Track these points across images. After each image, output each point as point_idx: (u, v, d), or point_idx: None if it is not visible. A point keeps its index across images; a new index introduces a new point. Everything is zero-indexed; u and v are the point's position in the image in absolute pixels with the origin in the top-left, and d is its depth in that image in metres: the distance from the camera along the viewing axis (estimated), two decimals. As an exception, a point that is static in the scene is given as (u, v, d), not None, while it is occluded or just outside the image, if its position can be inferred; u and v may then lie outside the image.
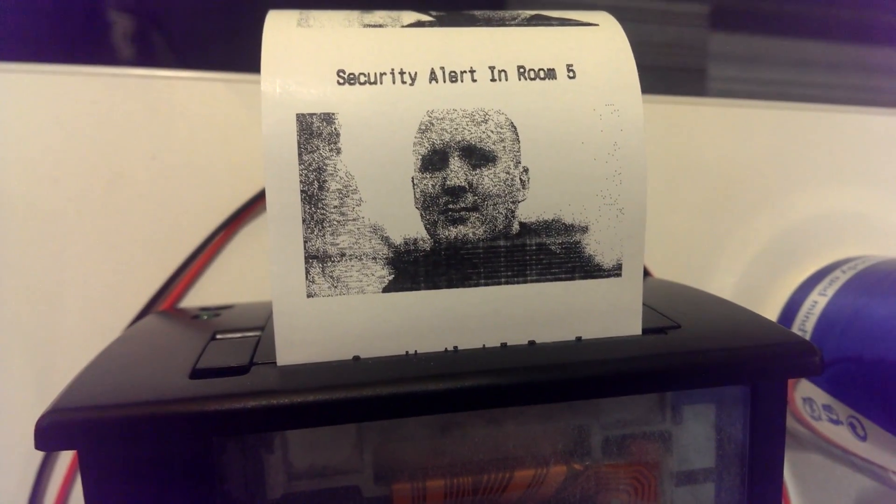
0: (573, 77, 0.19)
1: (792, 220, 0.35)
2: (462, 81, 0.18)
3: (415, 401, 0.17)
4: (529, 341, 0.19)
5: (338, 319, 0.18)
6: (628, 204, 0.19)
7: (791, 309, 0.33)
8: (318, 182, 0.18)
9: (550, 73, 0.19)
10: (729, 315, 0.22)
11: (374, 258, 0.18)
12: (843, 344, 0.28)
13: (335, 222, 0.18)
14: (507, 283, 0.19)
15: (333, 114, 0.18)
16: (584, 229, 0.19)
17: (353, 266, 0.18)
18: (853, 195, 0.36)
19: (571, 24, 0.20)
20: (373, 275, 0.18)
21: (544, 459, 0.19)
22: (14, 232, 0.28)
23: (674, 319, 0.21)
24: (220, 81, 0.30)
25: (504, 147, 0.18)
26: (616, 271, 0.19)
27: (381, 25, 0.19)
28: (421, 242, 0.18)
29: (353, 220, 0.18)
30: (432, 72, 0.18)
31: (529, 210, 0.19)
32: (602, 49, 0.19)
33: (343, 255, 0.18)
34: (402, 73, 0.18)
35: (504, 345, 0.19)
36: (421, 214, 0.18)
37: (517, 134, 0.18)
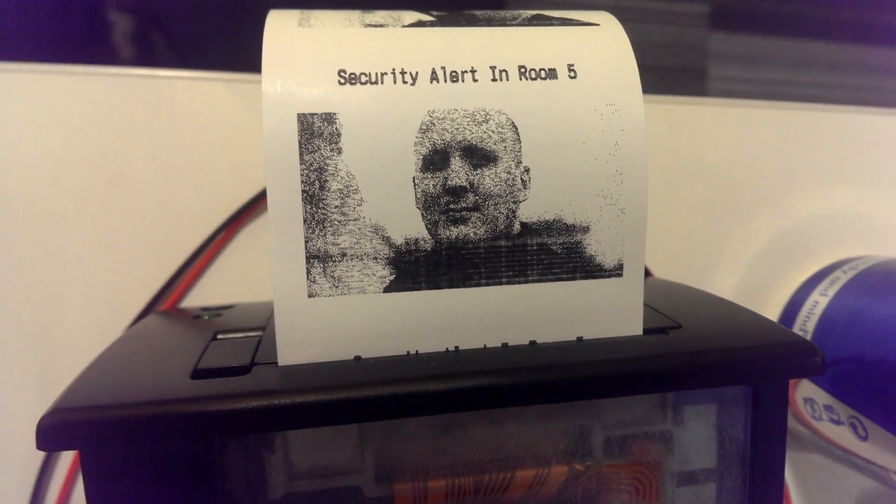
0: (574, 77, 0.19)
1: (793, 220, 0.35)
2: (463, 81, 0.18)
3: (416, 401, 0.17)
4: (530, 341, 0.19)
5: (339, 319, 0.18)
6: (629, 204, 0.19)
7: (792, 309, 0.33)
8: (320, 182, 0.18)
9: (551, 73, 0.19)
10: (730, 315, 0.22)
11: (376, 258, 0.18)
12: (844, 344, 0.28)
13: (336, 222, 0.18)
14: (508, 283, 0.19)
15: (334, 114, 0.18)
16: (586, 229, 0.19)
17: (354, 266, 0.18)
18: (854, 195, 0.36)
19: (572, 23, 0.20)
20: (374, 275, 0.18)
21: (545, 459, 0.19)
22: (15, 232, 0.28)
23: (675, 319, 0.21)
24: (220, 81, 0.30)
25: (505, 147, 0.18)
26: (617, 271, 0.19)
27: (382, 25, 0.19)
28: (422, 242, 0.18)
29: (355, 219, 0.18)
30: (433, 72, 0.18)
31: (530, 210, 0.19)
32: (603, 49, 0.19)
33: (344, 254, 0.18)
34: (403, 72, 0.18)
35: (505, 345, 0.19)
36: (422, 214, 0.18)
37: (518, 134, 0.18)
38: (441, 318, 0.19)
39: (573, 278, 0.19)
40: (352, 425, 0.19)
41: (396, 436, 0.19)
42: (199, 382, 0.17)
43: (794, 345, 0.19)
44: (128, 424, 0.16)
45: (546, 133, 0.18)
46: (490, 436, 0.19)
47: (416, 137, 0.18)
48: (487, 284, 0.19)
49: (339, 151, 0.18)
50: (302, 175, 0.17)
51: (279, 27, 0.18)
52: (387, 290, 0.18)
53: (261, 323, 0.23)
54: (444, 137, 0.18)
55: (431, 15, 0.20)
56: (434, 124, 0.18)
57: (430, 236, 0.18)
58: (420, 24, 0.19)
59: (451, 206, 0.18)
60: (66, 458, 0.28)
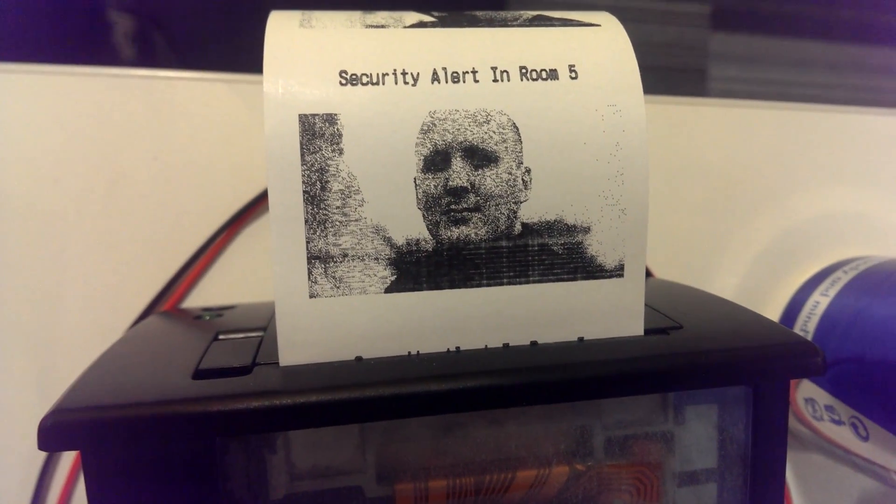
0: (575, 77, 0.19)
1: (793, 221, 0.35)
2: (464, 82, 0.18)
3: (417, 401, 0.17)
4: (532, 342, 0.19)
5: (340, 320, 0.18)
6: (630, 204, 0.19)
7: (793, 309, 0.33)
8: (321, 183, 0.18)
9: (552, 74, 0.19)
10: (731, 315, 0.22)
11: (377, 259, 0.18)
12: (844, 344, 0.28)
13: (337, 223, 0.18)
14: (509, 283, 0.19)
15: (336, 114, 0.18)
16: (587, 230, 0.19)
17: (355, 266, 0.18)
18: (854, 195, 0.36)
19: (573, 24, 0.20)
20: (375, 275, 0.18)
21: (547, 460, 0.19)
22: (15, 232, 0.28)
23: (676, 320, 0.21)
24: (221, 82, 0.30)
25: (506, 147, 0.18)
26: (618, 272, 0.19)
27: (383, 26, 0.19)
28: (423, 243, 0.18)
29: (356, 220, 0.18)
30: (434, 72, 0.18)
31: (531, 210, 0.19)
32: (604, 50, 0.19)
33: (345, 255, 0.18)
34: (404, 73, 0.18)
35: (506, 345, 0.19)
36: (423, 215, 0.18)
37: (519, 134, 0.18)
38: (442, 318, 0.19)
39: (574, 279, 0.19)
40: (353, 425, 0.19)
41: (398, 436, 0.19)
42: (201, 383, 0.17)
43: (795, 345, 0.19)
44: (129, 425, 0.16)
45: (547, 133, 0.18)
46: (491, 436, 0.19)
47: (418, 138, 0.18)
48: (488, 285, 0.19)
49: (341, 152, 0.18)
50: (303, 176, 0.17)
51: (280, 28, 0.19)
52: (388, 290, 0.18)
53: (262, 323, 0.23)
54: (445, 138, 0.18)
55: (432, 16, 0.20)
56: (435, 125, 0.18)
57: (431, 237, 0.18)
58: (421, 24, 0.19)
59: (453, 206, 0.18)
60: (68, 459, 0.28)
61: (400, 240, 0.18)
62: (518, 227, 0.19)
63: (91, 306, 0.29)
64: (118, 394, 0.17)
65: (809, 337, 0.31)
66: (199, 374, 0.18)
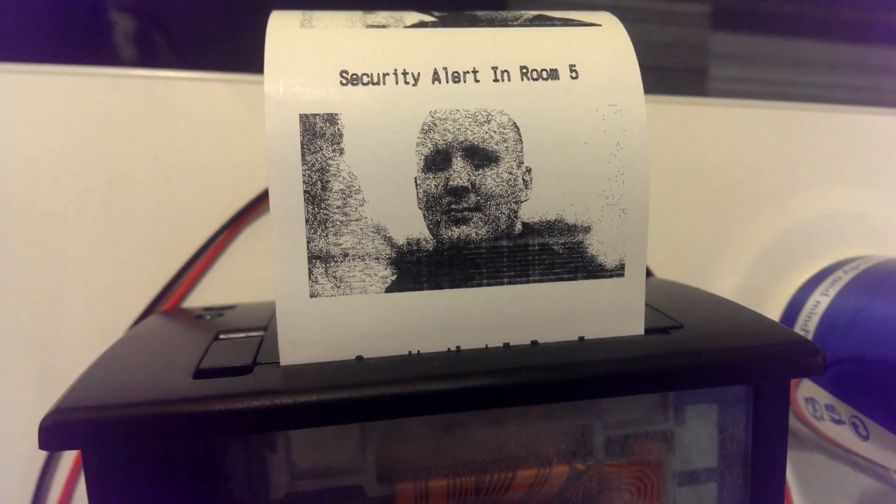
0: (576, 77, 0.19)
1: (794, 220, 0.35)
2: (465, 82, 0.18)
3: (418, 401, 0.17)
4: (532, 341, 0.19)
5: (341, 319, 0.18)
6: (631, 204, 0.19)
7: (793, 309, 0.33)
8: (322, 182, 0.18)
9: (553, 74, 0.19)
10: (731, 315, 0.22)
11: (377, 258, 0.18)
12: (845, 344, 0.28)
13: (338, 222, 0.18)
14: (509, 283, 0.19)
15: (336, 114, 0.18)
16: (587, 229, 0.19)
17: (355, 266, 0.18)
18: (854, 195, 0.36)
19: (574, 24, 0.20)
20: (376, 275, 0.18)
21: (547, 459, 0.19)
22: (16, 232, 0.28)
23: (676, 319, 0.21)
24: (221, 82, 0.30)
25: (507, 147, 0.18)
26: (619, 271, 0.19)
27: (383, 26, 0.19)
28: (424, 242, 0.18)
29: (356, 220, 0.18)
30: (435, 72, 0.18)
31: (532, 210, 0.19)
32: (605, 49, 0.19)
33: (346, 255, 0.18)
34: (404, 73, 0.18)
35: (507, 345, 0.19)
36: (424, 215, 0.18)
37: (520, 134, 0.18)
38: (443, 318, 0.19)
39: (575, 278, 0.19)
40: (354, 425, 0.19)
41: (398, 435, 0.19)
42: (201, 382, 0.17)
43: (796, 344, 0.19)
44: (130, 424, 0.16)
45: (548, 133, 0.19)
46: (491, 435, 0.19)
47: (418, 138, 0.18)
48: (489, 284, 0.19)
49: (341, 152, 0.18)
50: (304, 175, 0.17)
51: (281, 28, 0.19)
52: (388, 290, 0.18)
53: (262, 323, 0.23)
54: (445, 138, 0.18)
55: (433, 15, 0.20)
56: (436, 125, 0.18)
57: (431, 236, 0.18)
58: (422, 24, 0.19)
59: (453, 206, 0.18)
60: (68, 459, 0.28)
61: (400, 239, 0.18)
62: (518, 226, 0.19)
63: (91, 306, 0.29)
64: (119, 393, 0.17)
65: (810, 336, 0.31)
66: (200, 374, 0.18)
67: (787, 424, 0.20)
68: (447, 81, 0.18)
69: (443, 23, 0.19)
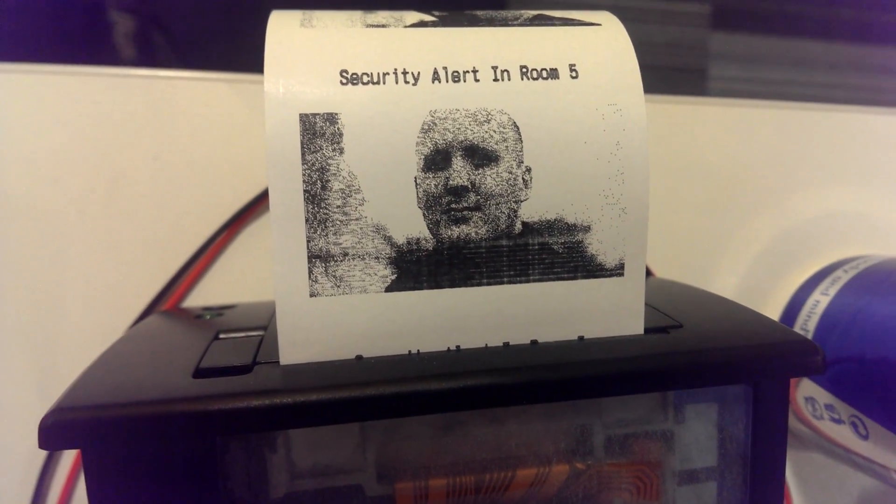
0: (576, 77, 0.19)
1: (793, 220, 0.35)
2: (465, 81, 0.18)
3: (417, 400, 0.17)
4: (532, 341, 0.19)
5: (340, 319, 0.18)
6: (630, 203, 0.19)
7: (793, 308, 0.33)
8: (321, 182, 0.18)
9: (553, 73, 0.19)
10: (731, 314, 0.22)
11: (377, 258, 0.18)
12: (845, 343, 0.28)
13: (338, 222, 0.18)
14: (509, 282, 0.19)
15: (336, 114, 0.18)
16: (587, 229, 0.19)
17: (355, 265, 0.18)
18: (854, 195, 0.36)
19: (574, 23, 0.20)
20: (375, 274, 0.18)
21: (547, 458, 0.19)
22: (16, 232, 0.28)
23: (676, 319, 0.21)
24: (221, 82, 0.30)
25: (507, 147, 0.18)
26: (618, 271, 0.19)
27: (383, 25, 0.19)
28: (423, 242, 0.18)
29: (356, 219, 0.18)
30: (435, 72, 0.18)
31: (532, 210, 0.19)
32: (605, 49, 0.19)
33: (346, 254, 0.18)
34: (404, 73, 0.18)
35: (506, 344, 0.19)
36: (423, 214, 0.18)
37: (520, 134, 0.18)
38: (442, 317, 0.19)
39: (574, 278, 0.19)
40: (353, 424, 0.19)
41: (398, 435, 0.19)
42: (201, 382, 0.17)
43: (795, 344, 0.19)
44: (130, 423, 0.16)
45: (547, 133, 0.19)
46: (491, 435, 0.19)
47: (418, 137, 0.18)
48: (489, 284, 0.19)
49: (341, 151, 0.18)
50: (304, 175, 0.17)
51: (281, 28, 0.19)
52: (388, 289, 0.18)
53: (262, 322, 0.23)
54: (445, 137, 0.18)
55: (433, 15, 0.20)
56: (436, 124, 0.18)
57: (431, 236, 0.18)
58: (422, 24, 0.19)
59: (453, 205, 0.18)
60: (68, 458, 0.28)
61: (400, 239, 0.18)
62: (518, 226, 0.19)
63: (91, 306, 0.29)
64: (119, 393, 0.17)
65: (809, 336, 0.31)
66: (200, 373, 0.18)
67: (787, 424, 0.20)
68: (447, 81, 0.18)
69: (443, 22, 0.19)
